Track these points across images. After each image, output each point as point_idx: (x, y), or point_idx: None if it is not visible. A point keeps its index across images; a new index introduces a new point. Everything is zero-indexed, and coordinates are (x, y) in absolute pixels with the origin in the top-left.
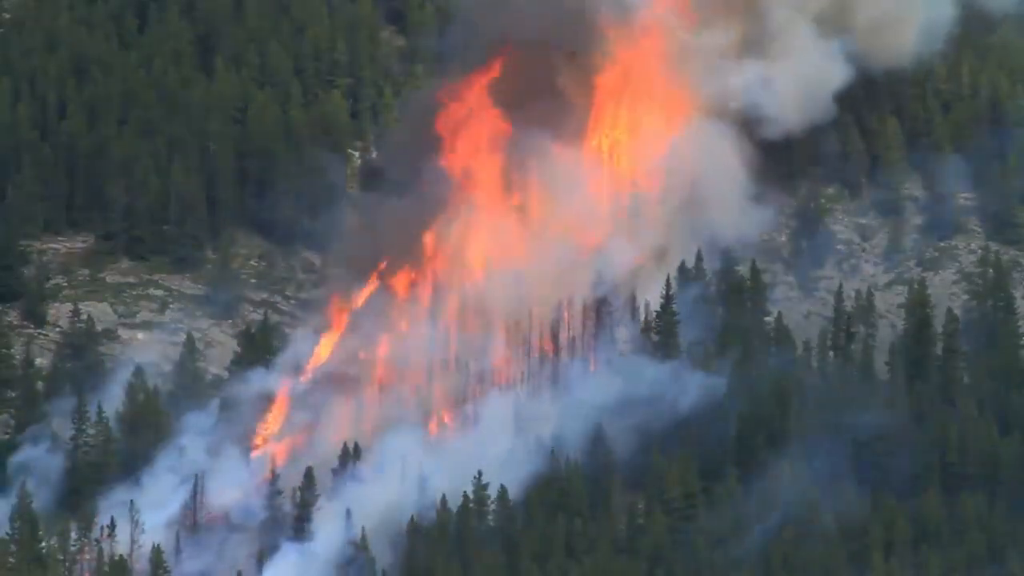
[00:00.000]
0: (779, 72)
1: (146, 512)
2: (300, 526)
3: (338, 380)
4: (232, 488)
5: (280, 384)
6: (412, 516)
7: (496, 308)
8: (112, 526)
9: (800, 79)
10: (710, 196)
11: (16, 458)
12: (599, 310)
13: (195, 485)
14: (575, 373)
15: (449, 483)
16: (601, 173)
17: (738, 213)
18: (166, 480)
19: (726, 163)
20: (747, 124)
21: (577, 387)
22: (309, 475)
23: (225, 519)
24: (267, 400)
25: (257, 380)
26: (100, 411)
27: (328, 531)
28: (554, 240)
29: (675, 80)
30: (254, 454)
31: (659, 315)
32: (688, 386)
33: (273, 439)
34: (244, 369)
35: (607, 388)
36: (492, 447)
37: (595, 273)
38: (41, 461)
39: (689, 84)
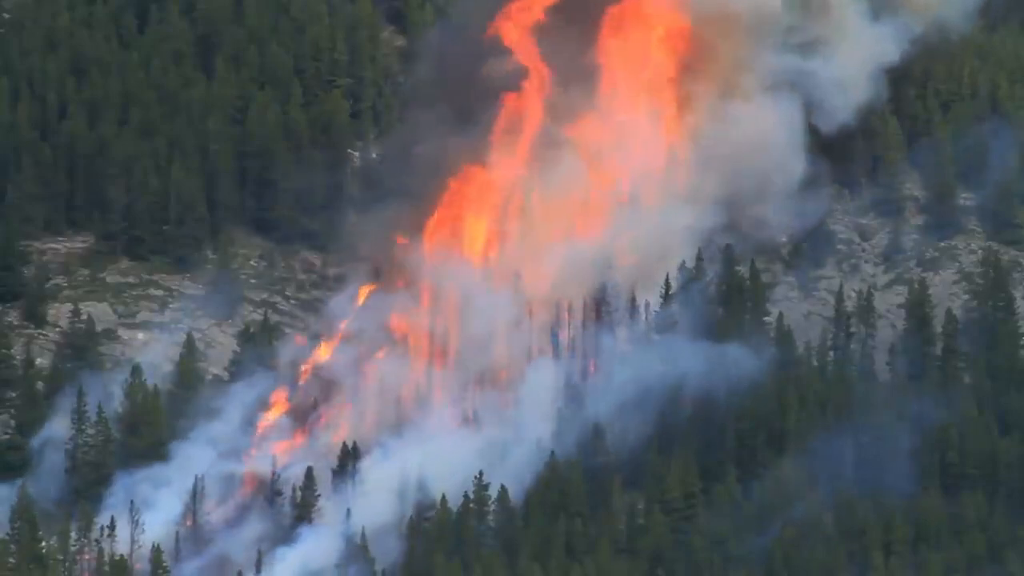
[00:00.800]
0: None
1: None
2: (300, 526)
3: (337, 382)
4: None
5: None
6: (412, 516)
7: (498, 303)
8: (112, 526)
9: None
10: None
11: (40, 435)
12: (599, 309)
13: (195, 485)
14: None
15: (449, 483)
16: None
17: (788, 198)
18: (202, 454)
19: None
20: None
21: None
22: (309, 475)
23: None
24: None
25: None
26: (100, 411)
27: (328, 530)
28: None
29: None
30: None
31: (659, 314)
32: (734, 364)
33: (273, 439)
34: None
35: (645, 369)
36: (492, 446)
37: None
38: (67, 435)
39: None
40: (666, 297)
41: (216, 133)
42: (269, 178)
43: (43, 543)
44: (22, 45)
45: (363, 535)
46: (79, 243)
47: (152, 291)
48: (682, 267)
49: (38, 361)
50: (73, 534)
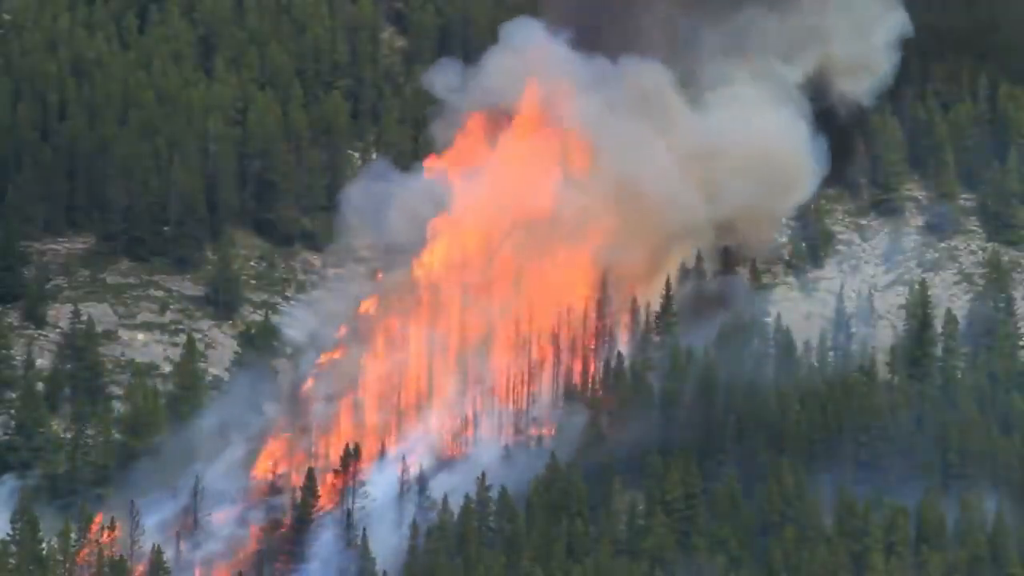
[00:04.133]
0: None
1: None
2: (301, 527)
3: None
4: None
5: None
6: (413, 517)
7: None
8: (112, 526)
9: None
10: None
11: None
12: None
13: (195, 485)
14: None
15: (451, 484)
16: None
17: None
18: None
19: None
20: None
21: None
22: (310, 476)
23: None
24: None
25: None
26: (100, 412)
27: (329, 532)
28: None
29: None
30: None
31: (660, 316)
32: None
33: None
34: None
35: None
36: (493, 447)
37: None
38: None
39: None
40: (666, 297)
41: (216, 133)
42: (269, 178)
43: (43, 543)
44: (22, 45)
45: (364, 536)
46: (79, 244)
47: (152, 292)
48: (682, 268)
49: (38, 362)
50: (73, 534)
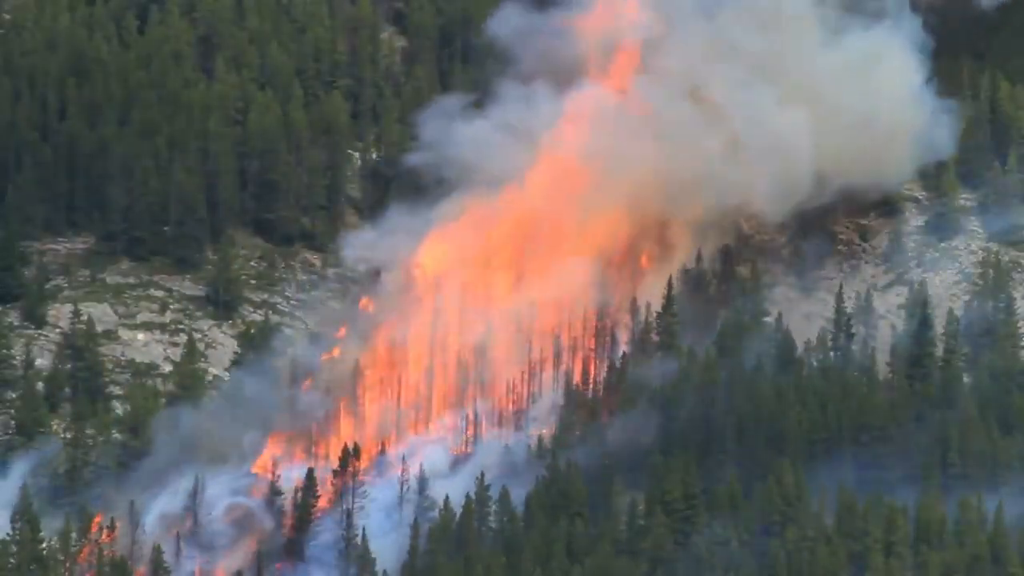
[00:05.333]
0: None
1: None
2: (301, 527)
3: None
4: None
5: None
6: (413, 517)
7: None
8: (112, 526)
9: None
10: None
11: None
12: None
13: (195, 485)
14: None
15: (451, 484)
16: None
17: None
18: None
19: None
20: None
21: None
22: (310, 476)
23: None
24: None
25: None
26: (100, 412)
27: (329, 532)
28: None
29: None
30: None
31: (660, 316)
32: None
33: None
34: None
35: None
36: (493, 447)
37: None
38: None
39: None
40: (667, 298)
41: (216, 133)
42: (269, 178)
43: (43, 543)
44: (22, 45)
45: (364, 536)
46: (79, 244)
47: (152, 292)
48: (683, 268)
49: (38, 362)
50: (73, 534)
